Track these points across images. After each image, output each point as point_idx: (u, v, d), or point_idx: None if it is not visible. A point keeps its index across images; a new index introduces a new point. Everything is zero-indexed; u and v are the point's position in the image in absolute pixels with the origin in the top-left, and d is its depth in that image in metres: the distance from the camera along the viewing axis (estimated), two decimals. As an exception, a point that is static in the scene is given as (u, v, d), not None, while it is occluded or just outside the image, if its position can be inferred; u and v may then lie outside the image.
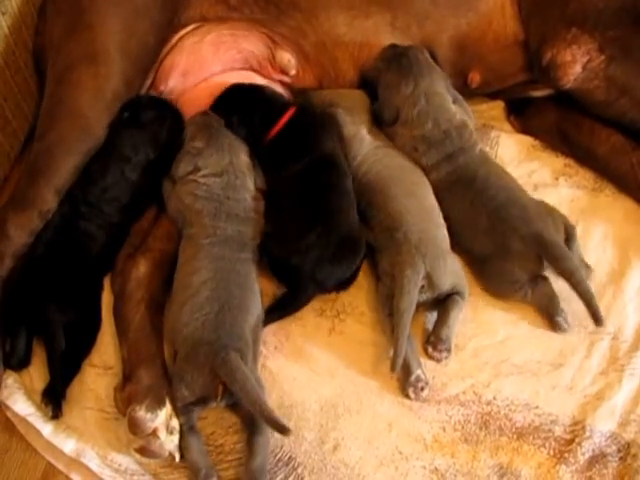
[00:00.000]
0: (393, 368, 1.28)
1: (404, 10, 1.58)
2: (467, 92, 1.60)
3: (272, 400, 1.29)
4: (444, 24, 1.58)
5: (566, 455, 1.25)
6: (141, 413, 1.22)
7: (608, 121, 1.56)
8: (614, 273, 1.44)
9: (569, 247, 1.39)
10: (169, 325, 1.32)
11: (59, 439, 1.27)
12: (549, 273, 1.38)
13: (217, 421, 1.30)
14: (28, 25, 1.62)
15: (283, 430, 1.19)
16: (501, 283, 1.40)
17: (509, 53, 1.60)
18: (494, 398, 1.31)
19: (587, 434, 1.26)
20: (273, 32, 1.59)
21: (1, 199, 1.51)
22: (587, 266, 1.42)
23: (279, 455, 1.26)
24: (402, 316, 1.29)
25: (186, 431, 1.24)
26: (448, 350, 1.34)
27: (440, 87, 1.53)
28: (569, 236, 1.41)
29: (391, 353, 1.29)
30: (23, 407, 1.30)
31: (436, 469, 1.25)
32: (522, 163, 1.61)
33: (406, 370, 1.31)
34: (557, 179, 1.59)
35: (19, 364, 1.34)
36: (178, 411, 1.25)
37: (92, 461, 1.25)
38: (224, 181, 1.42)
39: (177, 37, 1.60)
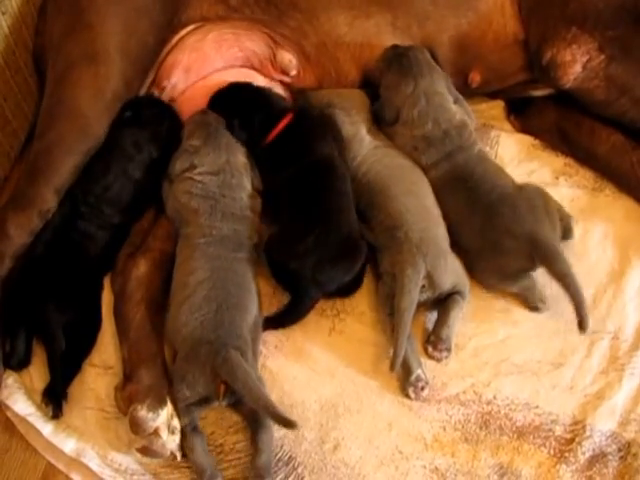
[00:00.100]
0: (393, 367, 1.28)
1: (404, 10, 1.58)
2: (467, 92, 1.60)
3: (272, 400, 1.28)
4: (444, 24, 1.58)
5: (566, 454, 1.25)
6: (142, 413, 1.22)
7: (608, 120, 1.56)
8: (614, 273, 1.44)
9: (567, 237, 1.41)
10: (168, 325, 1.33)
11: (59, 439, 1.28)
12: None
13: (217, 421, 1.30)
14: (28, 25, 1.62)
15: (289, 424, 1.19)
16: (490, 278, 1.41)
17: (509, 53, 1.60)
18: (494, 397, 1.31)
19: (587, 433, 1.26)
20: (274, 32, 1.60)
21: (1, 199, 1.51)
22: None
23: (279, 455, 1.26)
24: (403, 315, 1.29)
25: (189, 432, 1.24)
26: (448, 350, 1.34)
27: (440, 87, 1.53)
28: (566, 225, 1.43)
29: (391, 352, 1.29)
30: (23, 407, 1.30)
31: (436, 468, 1.25)
32: (522, 162, 1.61)
33: (406, 370, 1.31)
34: (557, 178, 1.59)
35: (19, 364, 1.34)
36: (180, 412, 1.25)
37: (92, 461, 1.26)
38: (220, 179, 1.43)
39: (177, 37, 1.60)
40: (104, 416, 1.31)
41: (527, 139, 1.65)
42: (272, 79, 1.62)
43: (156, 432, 1.21)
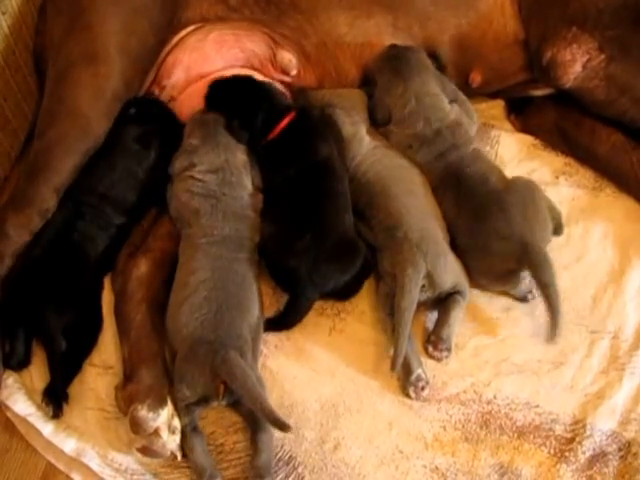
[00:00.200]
0: (393, 367, 1.29)
1: (405, 10, 1.58)
2: (468, 92, 1.60)
3: (273, 399, 1.28)
4: (445, 24, 1.58)
5: (567, 454, 1.25)
6: (143, 412, 1.22)
7: (608, 120, 1.56)
8: (614, 272, 1.44)
9: (557, 233, 1.43)
10: (168, 325, 1.32)
11: (59, 439, 1.27)
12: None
13: (217, 421, 1.30)
14: (28, 25, 1.62)
15: (283, 427, 1.19)
16: (481, 279, 1.41)
17: (509, 52, 1.60)
18: (494, 397, 1.31)
19: (588, 433, 1.26)
20: (274, 32, 1.60)
21: (1, 199, 1.51)
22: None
23: (280, 454, 1.26)
24: (403, 315, 1.29)
25: (189, 432, 1.24)
26: (448, 349, 1.34)
27: (432, 87, 1.53)
28: (556, 222, 1.43)
29: (391, 352, 1.30)
30: (23, 407, 1.30)
31: (437, 468, 1.25)
32: (522, 162, 1.61)
33: (407, 369, 1.31)
34: (557, 178, 1.59)
35: (19, 364, 1.34)
36: (180, 411, 1.25)
37: (92, 461, 1.25)
38: (219, 177, 1.43)
39: (178, 37, 1.60)
40: (104, 416, 1.30)
41: (527, 139, 1.65)
42: (272, 79, 1.62)
43: (156, 432, 1.21)
